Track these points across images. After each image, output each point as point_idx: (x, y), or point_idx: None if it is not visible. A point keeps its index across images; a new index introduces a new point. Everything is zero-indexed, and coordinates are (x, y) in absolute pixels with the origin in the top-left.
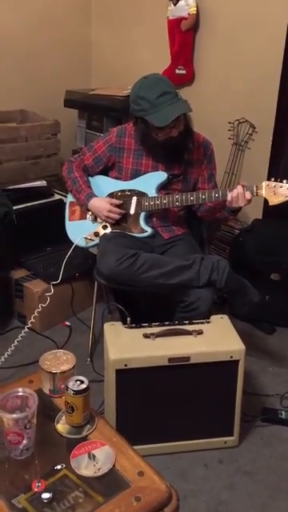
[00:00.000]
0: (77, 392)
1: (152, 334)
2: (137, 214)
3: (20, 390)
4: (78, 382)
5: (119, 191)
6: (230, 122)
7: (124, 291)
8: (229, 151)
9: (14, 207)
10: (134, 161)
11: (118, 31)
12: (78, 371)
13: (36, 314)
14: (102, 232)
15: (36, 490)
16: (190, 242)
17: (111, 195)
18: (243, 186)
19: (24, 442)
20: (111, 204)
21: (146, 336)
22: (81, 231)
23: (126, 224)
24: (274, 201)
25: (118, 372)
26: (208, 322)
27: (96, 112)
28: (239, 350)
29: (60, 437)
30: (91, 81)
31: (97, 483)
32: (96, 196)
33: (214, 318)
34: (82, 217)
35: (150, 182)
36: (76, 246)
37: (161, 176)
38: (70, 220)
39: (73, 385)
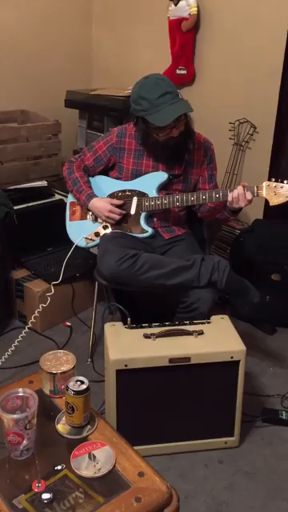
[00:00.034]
0: (77, 392)
1: (152, 335)
2: (137, 215)
3: (20, 390)
4: (79, 383)
5: (120, 191)
6: (230, 122)
7: (125, 291)
8: (229, 151)
9: (15, 207)
10: (134, 161)
11: (118, 31)
12: (79, 371)
13: (36, 314)
14: (102, 232)
15: (36, 490)
16: (191, 242)
17: (112, 195)
18: (244, 187)
19: (24, 442)
20: (112, 204)
21: (146, 336)
22: (81, 231)
23: (126, 224)
24: (274, 201)
25: (119, 372)
26: (208, 323)
27: (97, 112)
28: (240, 350)
29: (60, 437)
30: (92, 81)
31: (97, 484)
32: (96, 196)
33: (214, 318)
34: (83, 217)
35: (151, 182)
36: (76, 246)
37: (161, 176)
38: (70, 220)
39: (73, 385)
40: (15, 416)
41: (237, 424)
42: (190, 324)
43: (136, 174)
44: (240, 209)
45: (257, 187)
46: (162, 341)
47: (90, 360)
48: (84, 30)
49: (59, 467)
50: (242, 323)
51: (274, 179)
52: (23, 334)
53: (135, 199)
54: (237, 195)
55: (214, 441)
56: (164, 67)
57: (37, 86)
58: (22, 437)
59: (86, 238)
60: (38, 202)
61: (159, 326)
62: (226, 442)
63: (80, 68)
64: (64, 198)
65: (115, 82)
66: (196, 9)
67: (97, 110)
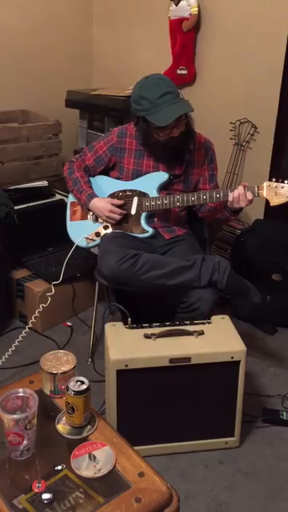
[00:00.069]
0: (77, 392)
1: (153, 335)
2: (138, 215)
3: (20, 390)
4: (79, 383)
5: (120, 191)
6: (231, 122)
7: (125, 291)
8: (230, 151)
9: (16, 207)
10: (134, 161)
11: (119, 31)
12: (79, 371)
13: (37, 313)
14: (103, 232)
15: (36, 490)
16: (191, 242)
17: (112, 195)
18: (244, 187)
19: (24, 442)
20: (112, 204)
21: (146, 336)
22: (82, 231)
23: (127, 224)
24: (275, 201)
25: (119, 372)
26: (209, 323)
27: (97, 112)
28: (240, 350)
29: (60, 437)
30: (92, 81)
31: (97, 484)
32: (97, 196)
33: (214, 318)
34: (83, 217)
35: (151, 182)
36: (77, 247)
37: (162, 176)
38: (71, 220)
39: (73, 385)
40: (15, 416)
41: (237, 424)
42: (190, 324)
43: (136, 174)
44: (241, 209)
45: (257, 187)
46: (163, 341)
47: (90, 360)
48: (84, 30)
49: (59, 467)
50: (243, 323)
51: (274, 179)
52: (23, 333)
53: (136, 199)
54: (237, 195)
55: (214, 441)
56: (165, 67)
57: (37, 85)
58: (22, 437)
59: (87, 238)
60: (39, 202)
61: (160, 326)
62: (226, 443)
63: (80, 68)
64: (64, 198)
65: (116, 81)
66: (197, 9)
67: (97, 110)
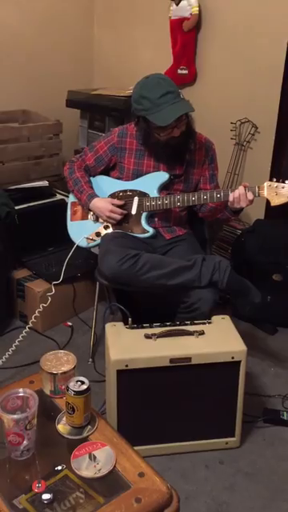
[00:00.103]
0: (77, 393)
1: (153, 335)
2: (138, 215)
3: (20, 390)
4: (79, 383)
5: (121, 191)
6: (232, 122)
7: (126, 291)
8: (231, 151)
9: (16, 207)
10: (135, 161)
11: (120, 31)
12: (80, 371)
13: (37, 313)
14: (103, 232)
15: (36, 490)
16: (192, 242)
17: (113, 195)
18: (245, 187)
19: (24, 442)
20: (113, 204)
21: (147, 336)
22: (82, 231)
23: (127, 224)
24: (275, 201)
25: (119, 373)
26: (209, 323)
27: (98, 112)
28: (240, 350)
29: (61, 437)
30: (93, 81)
31: (97, 484)
32: (97, 196)
33: (215, 318)
34: (84, 217)
35: (152, 182)
36: (78, 246)
37: (162, 176)
38: (71, 220)
39: (73, 385)
40: (15, 416)
41: (238, 424)
42: (190, 324)
43: (137, 174)
44: (241, 209)
45: (258, 187)
46: (163, 341)
47: (90, 360)
48: (85, 30)
49: (59, 467)
50: (243, 323)
51: (275, 179)
52: (24, 333)
53: (136, 199)
54: (238, 195)
55: (214, 441)
56: (165, 67)
57: (38, 85)
58: (23, 437)
59: (87, 238)
60: (39, 202)
61: (160, 326)
62: (226, 443)
63: (81, 68)
64: (65, 198)
65: (116, 81)
66: (197, 9)
67: (98, 110)
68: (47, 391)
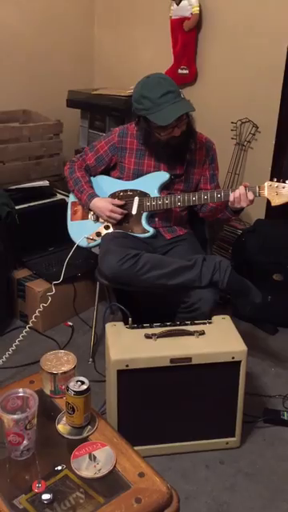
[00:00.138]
0: (77, 393)
1: (154, 335)
2: (139, 214)
3: (20, 390)
4: (79, 383)
5: (121, 191)
6: (232, 122)
7: (126, 291)
8: (231, 151)
9: (17, 207)
10: (135, 161)
11: (120, 31)
12: (80, 371)
13: (37, 313)
14: (103, 232)
15: (36, 490)
16: (193, 242)
17: (113, 195)
18: (245, 187)
19: (24, 442)
20: (113, 204)
21: (147, 336)
22: (83, 231)
23: (127, 224)
24: (276, 201)
25: (120, 373)
26: (210, 323)
27: (98, 112)
28: (241, 350)
29: (61, 437)
30: (94, 81)
31: (97, 484)
32: (98, 196)
33: (215, 318)
34: (84, 217)
35: (152, 182)
36: (78, 246)
37: (163, 176)
38: (71, 220)
39: (73, 385)
40: (15, 416)
41: (238, 424)
42: (191, 324)
43: (137, 174)
44: (242, 209)
45: (258, 187)
46: (163, 341)
47: (91, 360)
48: (86, 30)
49: (59, 467)
50: (244, 323)
51: (275, 179)
52: (24, 333)
53: (137, 199)
54: (238, 195)
55: (215, 441)
56: (166, 67)
57: (39, 85)
58: (23, 437)
59: (88, 238)
60: (40, 202)
61: (160, 326)
62: (227, 443)
63: (82, 68)
64: (66, 198)
65: (117, 81)
66: (198, 8)
67: (99, 110)
68: (47, 391)
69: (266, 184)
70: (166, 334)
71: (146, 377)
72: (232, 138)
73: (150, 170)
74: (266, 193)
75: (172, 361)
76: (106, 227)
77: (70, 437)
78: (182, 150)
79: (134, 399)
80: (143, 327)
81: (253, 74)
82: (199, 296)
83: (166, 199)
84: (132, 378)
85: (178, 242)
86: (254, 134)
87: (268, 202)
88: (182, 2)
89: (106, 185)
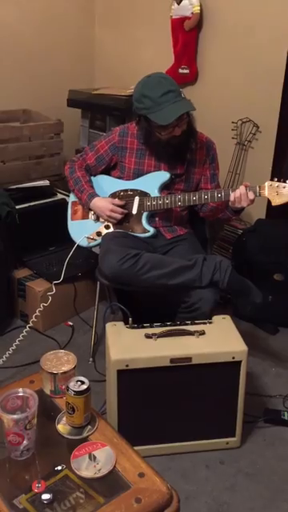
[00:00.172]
0: (77, 393)
1: (154, 335)
2: (139, 214)
3: (20, 390)
4: (79, 383)
5: (121, 191)
6: (233, 122)
7: (126, 291)
8: (232, 151)
9: (17, 206)
10: (136, 160)
11: (121, 30)
12: (80, 371)
13: (37, 313)
14: (104, 232)
15: (36, 490)
16: (193, 241)
17: (113, 195)
18: (246, 186)
19: (24, 442)
20: (113, 204)
21: (147, 336)
22: (83, 231)
23: (128, 224)
24: (276, 201)
25: (120, 372)
26: (210, 323)
27: (99, 111)
28: (241, 350)
29: (61, 437)
30: (94, 80)
31: (97, 484)
32: (98, 196)
33: (216, 318)
34: (85, 216)
35: (153, 181)
36: (78, 246)
37: (163, 176)
38: (72, 219)
39: (73, 385)
40: (15, 416)
41: (238, 424)
42: (191, 324)
43: (138, 174)
44: (242, 209)
45: (259, 187)
46: (164, 341)
47: (91, 360)
48: (86, 30)
49: (59, 467)
50: (244, 323)
51: (276, 179)
52: (24, 333)
53: (137, 199)
54: (239, 195)
55: (215, 441)
56: (166, 66)
57: (39, 85)
58: (22, 437)
59: (88, 238)
60: (40, 202)
61: (161, 326)
62: (227, 443)
63: (82, 67)
64: (66, 198)
65: (118, 81)
66: (199, 8)
67: (99, 110)
68: (47, 391)
69: (267, 184)
70: (167, 333)
71: (146, 377)
72: (233, 138)
73: (151, 169)
74: (266, 192)
75: (172, 361)
76: (107, 227)
77: (69, 437)
78: (182, 149)
79: (134, 399)
80: (143, 327)
81: (253, 74)
82: (199, 296)
83: (167, 199)
84: (132, 378)
85: (178, 242)
86: (254, 134)
87: (268, 201)
88: (183, 2)
89: (106, 184)
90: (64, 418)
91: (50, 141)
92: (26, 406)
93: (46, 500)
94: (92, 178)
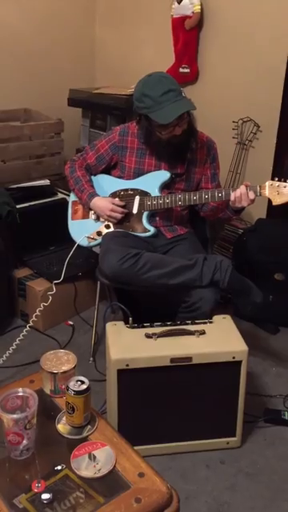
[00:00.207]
0: (77, 392)
1: (154, 334)
2: (139, 214)
3: (20, 390)
4: (79, 383)
5: (122, 190)
6: (234, 121)
7: (127, 291)
8: (233, 150)
9: (17, 206)
10: (136, 160)
11: (121, 30)
12: (81, 370)
13: (38, 312)
14: (104, 231)
15: (36, 490)
16: (193, 241)
17: (114, 194)
18: (247, 186)
19: (24, 442)
20: (113, 204)
21: (148, 336)
22: (83, 230)
23: (128, 223)
24: (277, 201)
25: (120, 372)
26: (210, 322)
27: (100, 111)
28: (242, 350)
29: (61, 437)
30: (95, 79)
31: (97, 484)
32: (98, 195)
33: (216, 318)
34: (85, 216)
35: (153, 181)
36: (79, 246)
37: (164, 175)
38: (72, 219)
39: (73, 385)
40: (15, 416)
41: (239, 424)
42: (191, 324)
43: (138, 173)
44: (243, 208)
45: (260, 187)
46: (164, 340)
47: (91, 359)
48: (87, 29)
49: (59, 467)
50: (245, 323)
51: (277, 178)
52: (25, 332)
53: (137, 198)
54: (239, 195)
55: (215, 441)
56: (167, 65)
57: (40, 84)
58: (22, 437)
59: (88, 237)
60: (41, 201)
61: (161, 326)
62: (227, 443)
63: (83, 66)
64: (66, 197)
65: (118, 80)
66: (199, 7)
67: (100, 109)
68: (47, 390)
69: (267, 183)
70: (167, 333)
71: (146, 376)
72: (233, 137)
73: (151, 169)
74: (267, 192)
75: (172, 360)
76: (107, 226)
77: (69, 436)
78: (182, 148)
79: (135, 399)
80: (144, 327)
81: (254, 73)
82: (200, 295)
83: (167, 198)
84: (132, 378)
85: (178, 242)
86: (255, 133)
87: (269, 201)
88: (184, 1)
89: (106, 184)
90: (64, 418)
91: (50, 140)
92: (26, 406)
93: (45, 500)
94: (92, 177)
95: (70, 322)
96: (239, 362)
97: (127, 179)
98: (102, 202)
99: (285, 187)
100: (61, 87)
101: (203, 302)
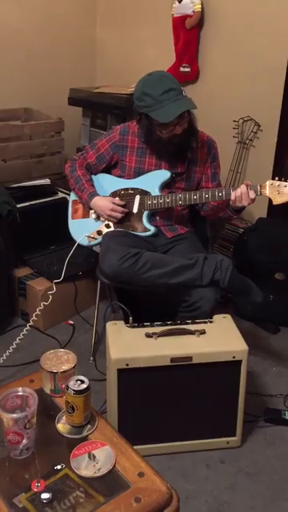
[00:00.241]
0: (77, 392)
1: (154, 334)
2: (140, 213)
3: (20, 389)
4: (79, 382)
5: (122, 190)
6: (234, 120)
7: (127, 290)
8: (233, 149)
9: (18, 205)
10: (137, 159)
11: (122, 29)
12: (81, 370)
13: (38, 312)
14: (104, 231)
15: (35, 490)
16: (194, 240)
17: (114, 194)
18: (247, 185)
19: (24, 441)
20: (114, 203)
21: (148, 335)
22: (84, 230)
23: (128, 223)
24: (277, 200)
25: (120, 371)
26: (211, 322)
27: (100, 110)
28: (242, 350)
29: (60, 437)
30: (95, 79)
31: (97, 483)
32: (98, 195)
33: (216, 317)
34: (85, 215)
35: (154, 180)
36: (79, 245)
37: (164, 174)
38: (72, 218)
39: (73, 384)
40: (15, 415)
41: (239, 424)
42: (192, 323)
43: (139, 172)
44: (243, 208)
45: (260, 186)
46: (164, 340)
47: (92, 358)
48: (88, 28)
49: (59, 467)
50: (245, 322)
51: (277, 178)
52: (25, 331)
53: (138, 198)
54: (240, 194)
55: (215, 441)
56: (168, 65)
57: (40, 83)
58: (22, 436)
59: (89, 237)
60: (41, 200)
61: (161, 325)
62: (227, 442)
63: (83, 66)
64: (67, 197)
65: (119, 79)
66: (200, 6)
67: (100, 108)
68: (47, 390)
69: (268, 183)
70: (167, 333)
71: (146, 376)
72: (234, 137)
73: (151, 168)
74: (267, 192)
75: (172, 360)
76: (107, 226)
77: (69, 436)
78: (183, 148)
79: (135, 398)
80: (144, 326)
81: (255, 72)
82: (200, 295)
83: (167, 198)
84: (132, 377)
85: (179, 241)
86: (255, 133)
87: (270, 200)
88: (184, 0)
89: (107, 183)
90: (64, 417)
91: (50, 139)
92: (26, 405)
93: (45, 499)
94: (93, 176)
95: (71, 322)
96: (239, 362)
97: (127, 178)
98: (102, 202)
99: (285, 187)
100: (61, 86)
101: (203, 302)
